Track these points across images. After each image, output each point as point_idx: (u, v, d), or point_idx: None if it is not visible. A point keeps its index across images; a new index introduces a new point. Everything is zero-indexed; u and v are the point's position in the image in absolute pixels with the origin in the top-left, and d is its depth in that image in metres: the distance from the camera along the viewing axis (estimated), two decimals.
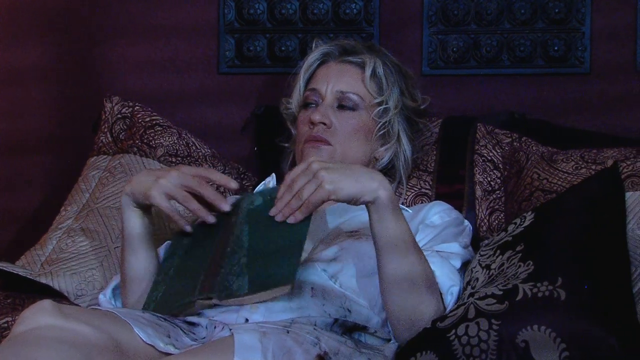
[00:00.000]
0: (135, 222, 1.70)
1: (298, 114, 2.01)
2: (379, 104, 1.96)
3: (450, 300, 1.67)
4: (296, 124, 2.01)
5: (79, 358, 1.30)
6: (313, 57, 2.02)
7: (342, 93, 1.95)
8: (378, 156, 1.98)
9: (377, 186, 1.56)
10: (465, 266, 1.78)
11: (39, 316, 1.35)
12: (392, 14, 2.40)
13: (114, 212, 2.07)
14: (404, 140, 1.99)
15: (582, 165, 1.98)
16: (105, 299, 1.82)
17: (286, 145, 2.10)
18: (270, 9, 2.41)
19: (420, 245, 1.80)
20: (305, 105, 1.98)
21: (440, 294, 1.66)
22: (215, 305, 1.59)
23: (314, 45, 2.05)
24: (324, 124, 1.91)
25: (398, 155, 1.99)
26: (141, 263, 1.71)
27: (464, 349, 1.52)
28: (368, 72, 1.96)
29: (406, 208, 1.93)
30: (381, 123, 1.96)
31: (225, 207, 1.63)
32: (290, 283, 1.50)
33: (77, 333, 1.33)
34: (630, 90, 2.31)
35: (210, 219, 1.63)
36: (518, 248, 1.67)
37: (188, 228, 1.60)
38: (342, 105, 1.95)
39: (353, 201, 1.56)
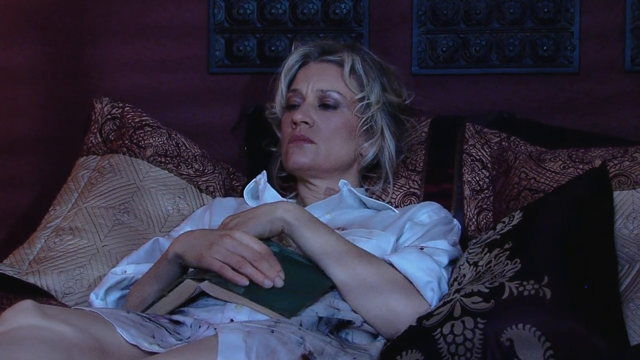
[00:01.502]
0: (173, 274, 1.72)
1: (282, 116, 2.02)
2: (360, 100, 1.98)
3: (432, 295, 1.68)
4: (281, 127, 2.03)
5: (59, 358, 1.30)
6: (293, 59, 2.04)
7: (323, 92, 1.96)
8: (363, 152, 2.00)
9: (280, 213, 1.69)
10: (453, 264, 1.79)
11: (20, 316, 1.35)
12: (381, 14, 2.40)
13: (103, 211, 2.08)
14: (388, 135, 2.01)
15: (570, 165, 1.99)
16: (97, 299, 1.83)
17: (274, 149, 2.11)
18: (260, 9, 2.42)
19: (408, 243, 1.81)
20: (288, 107, 2.00)
21: (418, 290, 1.68)
22: (199, 297, 1.62)
23: (293, 47, 2.06)
24: (306, 122, 1.93)
25: (383, 151, 2.01)
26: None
27: (449, 348, 1.52)
28: (347, 68, 1.98)
29: (392, 208, 1.94)
30: (364, 119, 1.98)
31: (279, 282, 1.61)
32: (288, 316, 1.56)
33: (57, 333, 1.33)
34: (618, 90, 2.31)
35: (279, 282, 1.62)
36: (506, 246, 1.68)
37: (245, 282, 1.60)
38: (324, 103, 1.97)
39: (267, 234, 1.68)
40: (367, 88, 1.98)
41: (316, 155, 1.93)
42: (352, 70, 1.98)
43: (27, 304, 1.37)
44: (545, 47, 2.34)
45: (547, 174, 1.99)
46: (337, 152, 1.96)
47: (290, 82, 2.04)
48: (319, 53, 2.03)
